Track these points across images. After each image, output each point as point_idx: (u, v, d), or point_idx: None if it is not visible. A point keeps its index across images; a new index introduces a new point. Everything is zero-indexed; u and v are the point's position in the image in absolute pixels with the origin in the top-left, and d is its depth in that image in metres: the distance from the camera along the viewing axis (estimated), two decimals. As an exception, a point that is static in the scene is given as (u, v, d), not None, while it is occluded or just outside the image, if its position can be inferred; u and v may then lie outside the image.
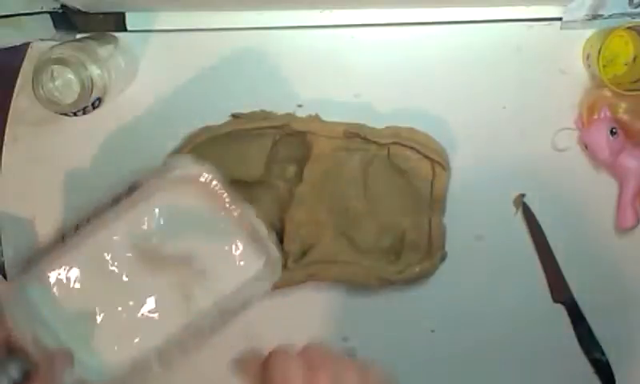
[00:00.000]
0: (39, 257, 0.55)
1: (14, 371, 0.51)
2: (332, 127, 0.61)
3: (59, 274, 0.53)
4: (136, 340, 0.54)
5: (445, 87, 0.62)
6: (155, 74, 0.62)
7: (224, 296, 0.54)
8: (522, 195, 0.63)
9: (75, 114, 0.55)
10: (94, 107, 0.55)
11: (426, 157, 0.60)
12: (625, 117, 0.59)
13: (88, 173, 0.63)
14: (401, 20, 0.61)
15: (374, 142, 0.61)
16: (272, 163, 0.62)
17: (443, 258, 0.62)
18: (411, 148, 0.61)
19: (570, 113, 0.62)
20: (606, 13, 0.58)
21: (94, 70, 0.54)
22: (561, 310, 0.63)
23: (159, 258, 0.54)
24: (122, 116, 0.62)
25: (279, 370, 0.42)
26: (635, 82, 0.58)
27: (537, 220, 0.63)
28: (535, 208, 0.63)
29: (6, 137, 0.63)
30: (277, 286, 0.58)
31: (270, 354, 0.43)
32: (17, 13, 0.54)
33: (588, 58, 0.60)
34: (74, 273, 0.53)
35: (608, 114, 0.58)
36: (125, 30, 0.61)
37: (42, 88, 0.53)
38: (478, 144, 0.62)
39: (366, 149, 0.62)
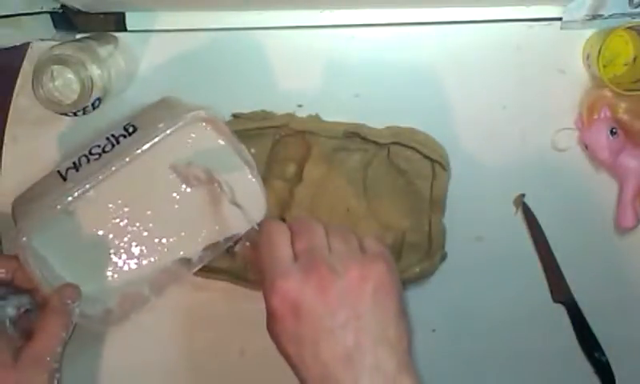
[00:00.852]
0: (37, 195, 0.54)
1: (9, 309, 0.52)
2: (332, 127, 0.61)
3: (70, 208, 0.54)
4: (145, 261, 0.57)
5: (445, 87, 0.62)
6: (155, 74, 0.61)
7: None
8: (522, 195, 0.63)
9: (75, 114, 0.54)
10: (94, 107, 0.55)
11: (426, 157, 0.60)
12: (625, 117, 0.59)
13: (88, 173, 0.63)
14: (401, 20, 0.61)
15: (374, 142, 0.61)
16: (272, 163, 0.62)
17: (443, 257, 0.62)
18: (411, 148, 0.60)
19: (570, 113, 0.62)
20: (606, 13, 0.58)
21: (94, 70, 0.54)
22: (561, 310, 0.63)
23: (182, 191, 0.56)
24: (122, 116, 0.62)
25: (265, 232, 0.47)
26: (635, 82, 0.58)
27: (537, 220, 0.63)
28: (535, 208, 0.63)
29: (5, 137, 0.63)
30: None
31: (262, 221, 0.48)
32: (17, 13, 0.54)
33: (588, 57, 0.60)
34: (86, 207, 0.54)
35: (608, 113, 0.58)
36: (125, 29, 0.61)
37: (42, 88, 0.53)
38: (477, 144, 0.62)
39: (365, 149, 0.62)
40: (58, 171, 0.55)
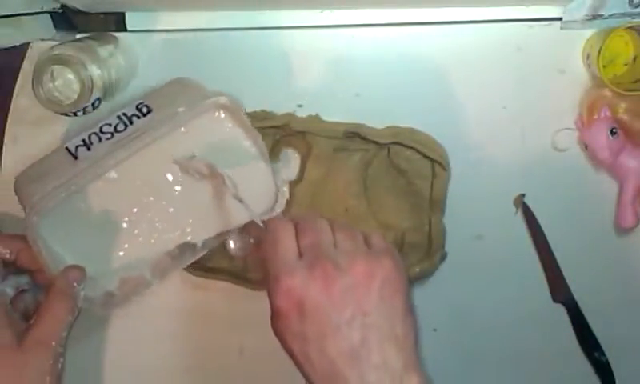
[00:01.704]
0: (45, 172, 0.53)
1: (8, 289, 0.51)
2: (332, 127, 0.61)
3: (85, 193, 0.54)
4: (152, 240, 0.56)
5: (445, 87, 0.62)
6: (155, 74, 0.61)
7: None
8: (522, 195, 0.63)
9: (75, 114, 0.55)
10: (94, 107, 0.55)
11: (426, 157, 0.60)
12: (625, 117, 0.59)
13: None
14: (401, 20, 0.61)
15: (374, 142, 0.61)
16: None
17: (443, 257, 0.62)
18: (411, 148, 0.60)
19: (570, 113, 0.62)
20: (606, 13, 0.58)
21: (95, 70, 0.54)
22: (561, 310, 0.63)
23: (192, 178, 0.56)
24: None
25: (270, 229, 0.46)
26: (635, 82, 0.58)
27: (537, 220, 0.62)
28: (535, 208, 0.63)
29: (5, 137, 0.63)
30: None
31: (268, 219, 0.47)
32: (17, 13, 0.54)
33: (588, 57, 0.60)
34: (99, 188, 0.54)
35: (608, 113, 0.58)
36: (125, 29, 0.61)
37: (42, 88, 0.53)
38: (478, 144, 0.62)
39: (365, 149, 0.62)
40: (67, 148, 0.53)
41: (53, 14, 0.58)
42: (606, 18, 0.59)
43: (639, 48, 0.60)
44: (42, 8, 0.56)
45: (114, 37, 0.61)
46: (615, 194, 0.61)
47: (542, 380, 0.64)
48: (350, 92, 0.62)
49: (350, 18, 0.61)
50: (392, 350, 0.42)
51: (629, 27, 0.56)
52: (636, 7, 0.58)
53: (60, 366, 0.49)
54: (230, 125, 0.56)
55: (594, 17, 0.59)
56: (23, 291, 0.53)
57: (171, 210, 0.56)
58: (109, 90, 0.56)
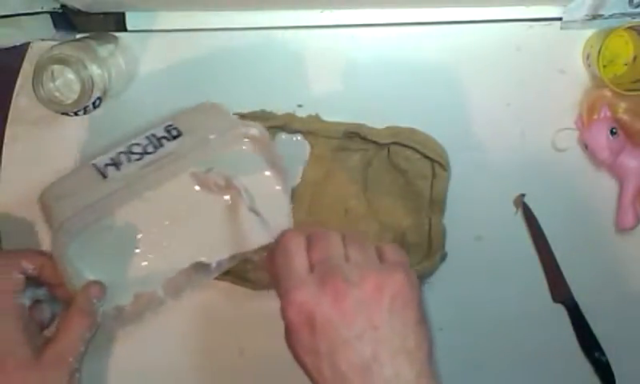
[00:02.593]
0: (73, 190, 0.53)
1: (26, 301, 0.53)
2: (332, 127, 0.61)
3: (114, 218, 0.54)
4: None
5: (445, 87, 0.62)
6: (155, 74, 0.61)
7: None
8: (522, 195, 0.63)
9: (76, 114, 0.55)
10: (94, 107, 0.55)
11: (426, 157, 0.60)
12: (625, 117, 0.59)
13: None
14: (401, 20, 0.61)
15: (374, 142, 0.61)
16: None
17: (443, 257, 0.62)
18: (411, 148, 0.60)
19: (570, 113, 0.62)
20: (606, 13, 0.58)
21: (95, 70, 0.54)
22: (561, 310, 0.63)
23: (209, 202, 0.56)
24: (122, 116, 0.62)
25: (281, 242, 0.46)
26: (635, 82, 0.58)
27: (537, 220, 0.63)
28: (535, 208, 0.63)
29: (5, 137, 0.63)
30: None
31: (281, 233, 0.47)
32: (17, 13, 0.53)
33: (588, 57, 0.60)
34: (127, 209, 0.54)
35: (608, 113, 0.58)
36: (125, 29, 0.61)
37: (42, 88, 0.53)
38: (478, 144, 0.62)
39: (365, 149, 0.62)
40: (94, 165, 0.53)
41: (53, 14, 0.58)
42: (606, 18, 0.59)
43: (639, 48, 0.60)
44: (42, 8, 0.56)
45: (114, 37, 0.61)
46: (615, 194, 0.61)
47: (542, 380, 0.64)
48: (350, 92, 0.62)
49: (350, 18, 0.61)
50: (404, 363, 0.42)
51: (629, 27, 0.56)
52: (636, 7, 0.58)
53: (76, 381, 0.50)
54: (256, 155, 0.56)
55: (594, 17, 0.59)
56: (39, 301, 0.54)
57: (188, 230, 0.56)
58: (109, 90, 0.56)
